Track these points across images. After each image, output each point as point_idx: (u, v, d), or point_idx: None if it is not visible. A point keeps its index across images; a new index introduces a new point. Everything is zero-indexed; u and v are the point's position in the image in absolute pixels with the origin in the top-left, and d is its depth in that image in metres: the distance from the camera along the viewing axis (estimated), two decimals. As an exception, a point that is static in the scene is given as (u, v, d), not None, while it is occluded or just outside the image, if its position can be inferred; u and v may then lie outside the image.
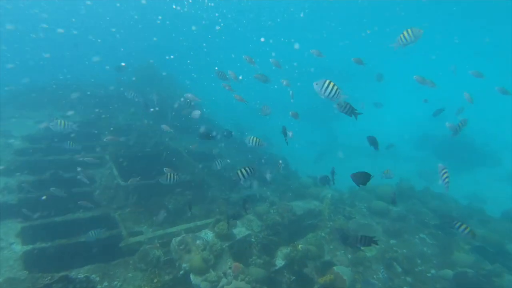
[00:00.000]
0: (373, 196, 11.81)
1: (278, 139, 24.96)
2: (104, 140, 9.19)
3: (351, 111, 5.66)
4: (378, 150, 7.13)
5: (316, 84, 5.26)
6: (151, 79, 17.26)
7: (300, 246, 8.50)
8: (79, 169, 9.32)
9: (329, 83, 5.13)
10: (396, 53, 47.34)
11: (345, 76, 33.95)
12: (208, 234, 8.55)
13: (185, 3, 44.31)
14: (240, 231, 8.99)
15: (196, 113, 9.37)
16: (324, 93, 5.22)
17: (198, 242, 8.22)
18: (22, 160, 10.53)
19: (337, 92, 5.16)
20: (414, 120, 27.70)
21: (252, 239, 8.85)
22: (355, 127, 24.34)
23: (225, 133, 8.68)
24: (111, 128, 12.71)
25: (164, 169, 8.70)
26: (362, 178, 5.15)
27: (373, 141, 7.12)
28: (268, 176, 7.48)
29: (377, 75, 11.96)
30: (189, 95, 9.30)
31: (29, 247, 7.93)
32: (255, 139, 7.05)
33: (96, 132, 13.20)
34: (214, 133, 8.69)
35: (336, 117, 25.03)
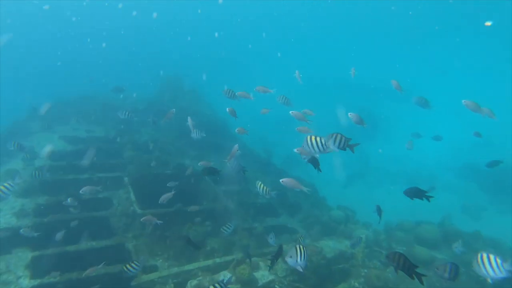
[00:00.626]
0: (413, 237, 10.57)
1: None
2: None
3: (344, 144, 4.88)
4: (430, 198, 5.95)
5: (302, 149, 5.01)
6: (175, 92, 16.80)
7: (330, 300, 7.48)
8: (69, 199, 8.60)
9: (313, 138, 4.82)
10: (433, 69, 45.13)
11: (373, 94, 32.49)
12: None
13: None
14: (263, 275, 8.09)
15: (235, 148, 7.73)
16: (316, 149, 4.89)
17: None
18: (40, 180, 10.17)
19: (325, 144, 4.85)
20: (457, 145, 25.62)
21: (276, 286, 7.93)
22: (390, 150, 22.91)
23: (237, 168, 7.47)
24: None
25: (141, 219, 8.07)
26: (403, 265, 3.97)
27: (415, 193, 5.97)
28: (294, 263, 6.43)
29: (418, 99, 10.23)
30: (189, 119, 8.31)
31: (37, 281, 7.43)
32: (263, 187, 6.55)
33: (117, 147, 12.80)
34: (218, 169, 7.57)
35: (370, 137, 23.61)
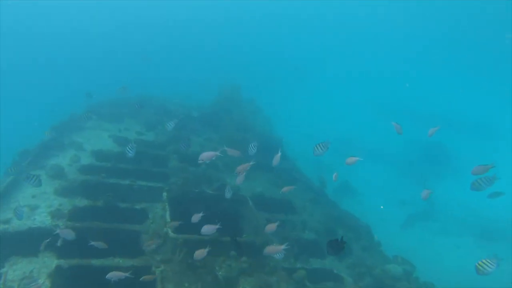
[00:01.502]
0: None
1: (362, 190, 21.74)
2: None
3: None
4: None
5: None
6: (231, 103, 16.02)
7: None
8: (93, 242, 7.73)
9: None
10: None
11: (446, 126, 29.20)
12: (257, 335, 6.52)
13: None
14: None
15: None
16: None
17: None
18: (82, 180, 9.91)
19: None
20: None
21: None
22: (461, 193, 19.95)
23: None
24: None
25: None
26: None
27: None
28: None
29: (478, 184, 7.84)
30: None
31: (55, 295, 6.92)
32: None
33: (164, 155, 12.31)
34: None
35: (439, 176, 20.79)
